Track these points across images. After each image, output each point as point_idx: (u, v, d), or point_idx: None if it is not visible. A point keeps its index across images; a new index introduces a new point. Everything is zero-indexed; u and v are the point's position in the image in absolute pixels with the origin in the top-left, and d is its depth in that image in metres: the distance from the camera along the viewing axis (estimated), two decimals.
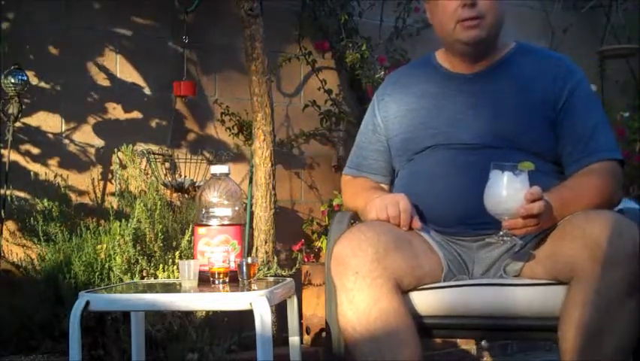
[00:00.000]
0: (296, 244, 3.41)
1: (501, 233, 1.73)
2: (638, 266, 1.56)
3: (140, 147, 3.16)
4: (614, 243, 1.56)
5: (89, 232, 2.70)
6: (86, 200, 3.07)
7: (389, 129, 2.03)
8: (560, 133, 1.89)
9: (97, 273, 2.61)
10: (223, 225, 1.90)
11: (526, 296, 1.74)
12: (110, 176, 3.13)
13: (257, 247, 3.07)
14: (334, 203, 3.38)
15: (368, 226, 1.78)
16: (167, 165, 3.21)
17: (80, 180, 3.09)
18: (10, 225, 2.87)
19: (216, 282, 1.82)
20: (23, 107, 2.84)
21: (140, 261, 2.63)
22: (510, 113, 1.89)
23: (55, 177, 2.98)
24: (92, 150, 3.14)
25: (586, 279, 1.59)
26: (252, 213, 3.14)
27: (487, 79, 1.95)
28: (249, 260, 1.88)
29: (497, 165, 1.70)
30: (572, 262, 1.63)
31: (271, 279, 2.24)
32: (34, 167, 3.00)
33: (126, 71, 3.24)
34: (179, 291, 1.87)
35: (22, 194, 2.92)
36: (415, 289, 1.79)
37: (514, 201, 1.66)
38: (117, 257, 2.59)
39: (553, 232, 1.75)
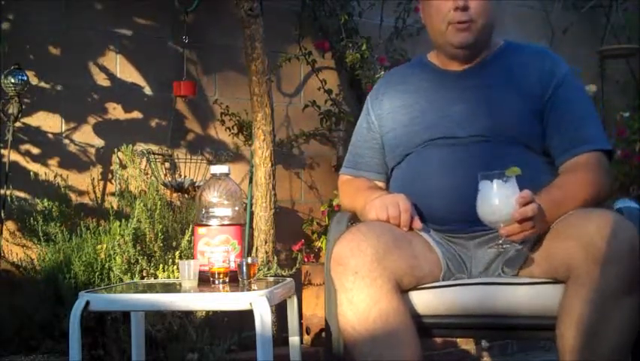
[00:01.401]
0: (296, 244, 3.41)
1: (500, 241, 1.73)
2: (633, 264, 1.57)
3: (140, 147, 3.17)
4: (609, 241, 1.57)
5: (89, 232, 2.71)
6: (86, 200, 3.07)
7: (383, 126, 2.05)
8: (547, 125, 1.91)
9: (97, 273, 2.61)
10: (223, 225, 1.90)
11: (524, 295, 1.74)
12: (110, 176, 3.13)
13: (257, 247, 3.08)
14: (334, 203, 3.38)
15: (367, 227, 1.79)
16: (167, 165, 3.21)
17: (80, 180, 3.09)
18: (10, 225, 2.87)
19: (216, 282, 1.82)
20: (23, 107, 2.84)
21: (140, 261, 2.63)
22: (499, 107, 1.91)
23: (55, 177, 2.98)
24: (92, 150, 3.14)
25: (582, 277, 1.59)
26: (252, 213, 3.14)
27: (477, 75, 1.97)
28: (249, 260, 1.88)
29: (485, 174, 1.71)
30: (568, 261, 1.63)
31: (271, 279, 2.24)
32: (34, 167, 3.00)
33: (126, 71, 3.24)
34: (179, 291, 1.87)
35: (22, 194, 2.92)
36: (414, 288, 1.80)
37: (507, 207, 1.67)
38: (117, 257, 2.59)
39: (548, 232, 1.76)
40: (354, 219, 2.01)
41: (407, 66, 2.22)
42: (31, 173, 2.96)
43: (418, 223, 1.85)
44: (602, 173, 1.87)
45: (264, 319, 1.66)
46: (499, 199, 1.68)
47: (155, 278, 2.61)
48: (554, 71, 1.94)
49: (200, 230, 1.90)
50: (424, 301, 1.79)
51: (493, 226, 1.72)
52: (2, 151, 2.88)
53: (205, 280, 1.85)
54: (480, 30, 1.91)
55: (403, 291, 1.76)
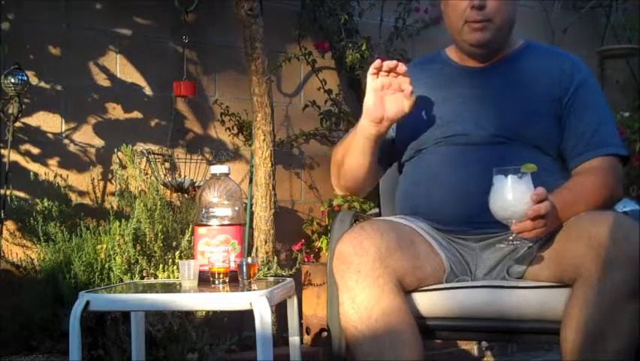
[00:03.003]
0: (296, 244, 3.42)
1: (510, 238, 1.72)
2: None
3: (140, 147, 3.17)
4: (618, 244, 1.56)
5: (89, 232, 2.70)
6: (86, 200, 3.07)
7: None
8: (565, 128, 1.90)
9: (97, 273, 2.61)
10: (223, 225, 1.89)
11: (528, 299, 1.73)
12: (110, 176, 3.13)
13: (257, 247, 3.07)
14: (334, 203, 3.38)
15: (371, 225, 1.78)
16: (167, 165, 3.21)
17: (80, 180, 3.09)
18: (10, 225, 2.87)
19: (216, 282, 1.82)
20: (23, 107, 2.84)
21: (140, 261, 2.63)
22: (515, 106, 1.91)
23: (55, 177, 2.98)
24: (92, 150, 3.14)
25: (589, 280, 1.58)
26: (252, 213, 3.14)
27: (494, 73, 1.97)
28: (249, 260, 1.88)
29: (500, 169, 1.69)
30: (577, 263, 1.62)
31: (271, 279, 2.24)
32: (34, 167, 3.00)
33: (126, 71, 3.24)
34: (179, 291, 1.87)
35: (22, 194, 2.92)
36: (416, 290, 1.79)
37: (521, 203, 1.66)
38: (117, 257, 2.59)
39: (558, 233, 1.75)
40: (358, 218, 2.01)
41: (423, 60, 2.18)
42: (31, 173, 2.96)
43: (402, 68, 1.82)
44: (614, 177, 1.86)
45: (264, 319, 1.66)
46: (513, 195, 1.67)
47: (155, 278, 2.61)
48: (574, 74, 1.93)
49: (200, 230, 1.90)
50: (428, 302, 1.78)
51: (506, 222, 1.70)
52: (2, 151, 2.87)
53: (205, 280, 1.85)
54: (497, 29, 1.90)
55: (405, 292, 1.75)
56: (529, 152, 1.85)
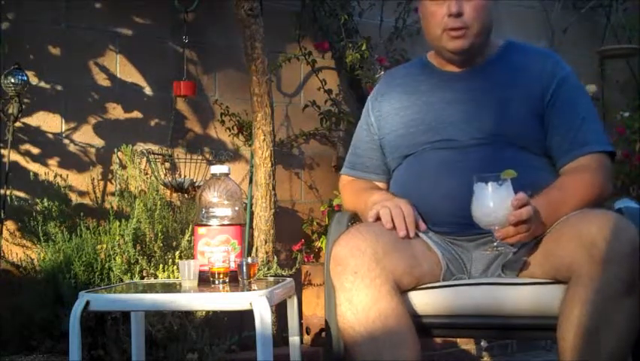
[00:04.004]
0: (296, 244, 3.41)
1: (494, 244, 1.73)
2: (634, 265, 1.56)
3: (140, 147, 3.17)
4: (610, 242, 1.56)
5: (89, 232, 2.71)
6: (86, 200, 3.07)
7: (382, 128, 2.05)
8: (548, 126, 1.91)
9: (97, 273, 2.61)
10: (223, 225, 1.90)
11: (525, 295, 1.74)
12: (110, 176, 3.13)
13: (257, 247, 3.07)
14: (334, 203, 3.38)
15: (367, 227, 1.79)
16: (167, 165, 3.21)
17: (80, 180, 3.09)
18: (10, 225, 2.87)
19: (216, 282, 1.82)
20: (23, 107, 2.84)
21: (140, 261, 2.63)
22: (497, 108, 1.91)
23: (55, 177, 2.98)
24: (92, 150, 3.14)
25: (583, 278, 1.59)
26: (252, 213, 3.14)
27: (476, 76, 1.97)
28: (249, 260, 1.88)
29: (480, 177, 1.71)
30: (569, 262, 1.63)
31: (271, 279, 2.24)
32: (34, 167, 3.00)
33: (126, 71, 3.24)
34: (179, 291, 1.88)
35: (22, 194, 2.92)
36: (414, 288, 1.80)
37: (502, 209, 1.67)
38: (117, 257, 2.59)
39: (550, 232, 1.76)
40: (355, 219, 2.01)
41: (407, 66, 2.21)
42: (31, 173, 2.96)
43: (422, 225, 1.86)
44: (602, 174, 1.87)
45: (264, 319, 1.66)
46: (493, 202, 1.68)
47: (155, 278, 2.61)
48: (555, 72, 1.93)
49: (200, 230, 1.90)
50: (425, 301, 1.79)
51: (488, 229, 1.72)
52: (2, 151, 2.88)
53: (205, 280, 1.85)
54: (476, 35, 1.90)
55: (403, 291, 1.76)
56: (515, 152, 1.87)
